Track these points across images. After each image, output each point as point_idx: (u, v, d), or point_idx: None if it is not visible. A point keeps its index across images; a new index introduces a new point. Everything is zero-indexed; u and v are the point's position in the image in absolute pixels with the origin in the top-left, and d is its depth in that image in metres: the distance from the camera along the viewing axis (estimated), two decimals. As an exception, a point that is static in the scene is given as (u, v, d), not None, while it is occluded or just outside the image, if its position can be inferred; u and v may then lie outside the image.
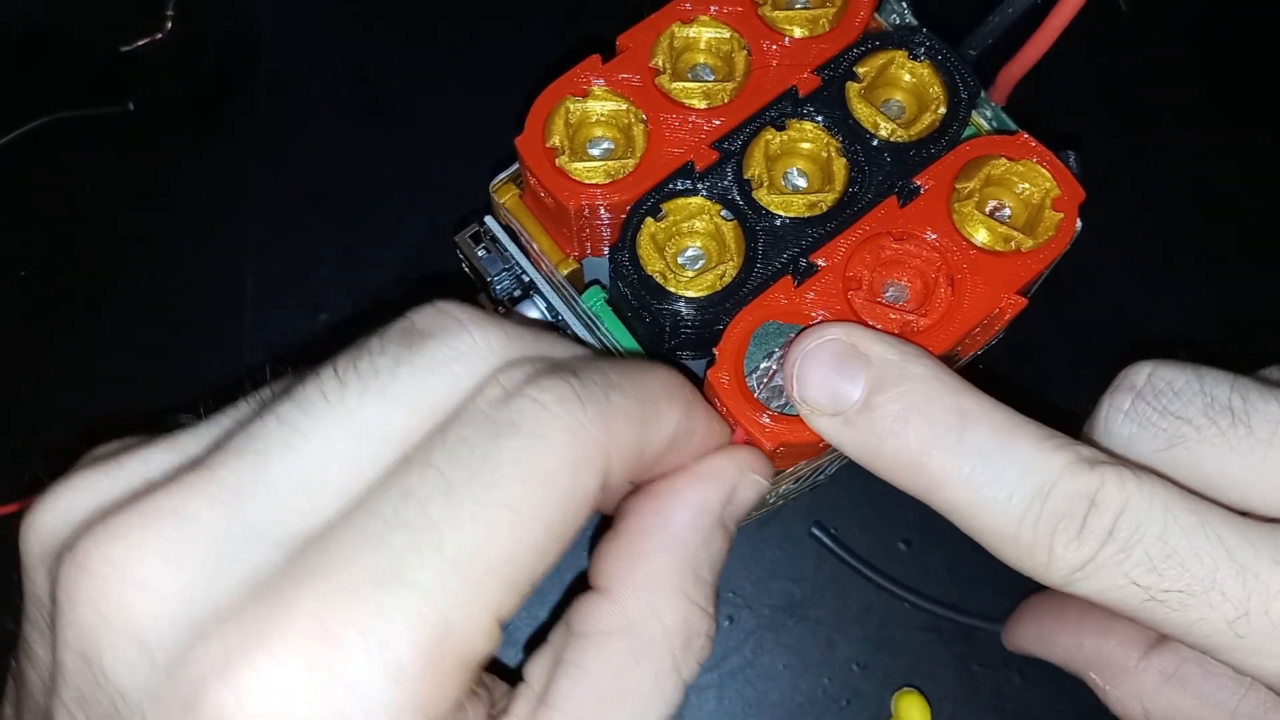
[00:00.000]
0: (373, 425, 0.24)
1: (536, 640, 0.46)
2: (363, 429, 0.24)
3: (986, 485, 0.27)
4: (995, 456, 0.27)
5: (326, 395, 0.24)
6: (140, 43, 0.56)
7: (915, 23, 0.37)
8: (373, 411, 0.24)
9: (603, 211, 0.33)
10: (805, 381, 0.29)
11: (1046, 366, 0.52)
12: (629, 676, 0.27)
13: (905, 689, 0.47)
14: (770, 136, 0.34)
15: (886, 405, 0.28)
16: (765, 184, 0.33)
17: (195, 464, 0.24)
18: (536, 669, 0.28)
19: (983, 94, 0.36)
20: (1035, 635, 0.40)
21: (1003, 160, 0.33)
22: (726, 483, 0.30)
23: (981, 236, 0.33)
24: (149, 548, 0.22)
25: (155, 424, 0.27)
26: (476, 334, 0.26)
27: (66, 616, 0.22)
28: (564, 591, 0.47)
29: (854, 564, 0.48)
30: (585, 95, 0.34)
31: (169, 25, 0.56)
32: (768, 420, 0.30)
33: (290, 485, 0.23)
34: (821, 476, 0.43)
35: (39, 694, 0.25)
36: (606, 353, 0.35)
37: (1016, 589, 0.48)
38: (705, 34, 0.35)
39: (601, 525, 0.30)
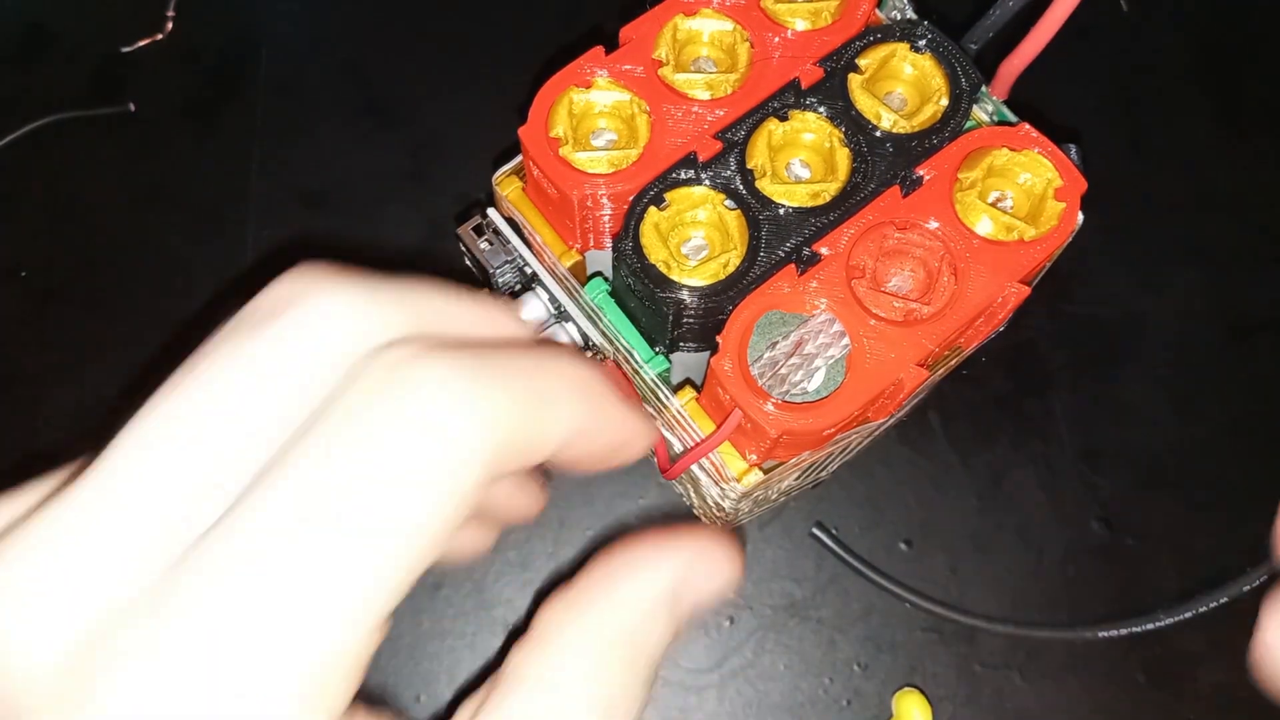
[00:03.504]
0: (228, 426, 0.23)
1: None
2: (221, 432, 0.23)
3: None
4: None
5: (178, 400, 0.24)
6: (140, 43, 0.56)
7: (915, 17, 0.37)
8: (225, 414, 0.23)
9: (605, 201, 0.33)
10: None
11: (1047, 366, 0.52)
12: None
13: (906, 689, 0.47)
14: (773, 127, 0.34)
15: None
16: (768, 174, 0.33)
17: (59, 494, 0.24)
18: (466, 710, 0.28)
19: (984, 88, 0.36)
20: None
21: (1005, 151, 0.33)
22: (681, 565, 0.29)
23: (985, 226, 0.33)
24: (16, 588, 0.22)
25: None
26: (327, 306, 0.25)
27: None
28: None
29: (855, 565, 0.48)
30: (589, 86, 0.34)
31: (169, 25, 0.56)
32: (771, 408, 0.30)
33: (142, 508, 0.23)
34: (824, 473, 0.43)
35: None
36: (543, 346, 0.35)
37: (1017, 589, 0.48)
38: (708, 26, 0.36)
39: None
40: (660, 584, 0.29)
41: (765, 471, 0.34)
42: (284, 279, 0.25)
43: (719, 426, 0.32)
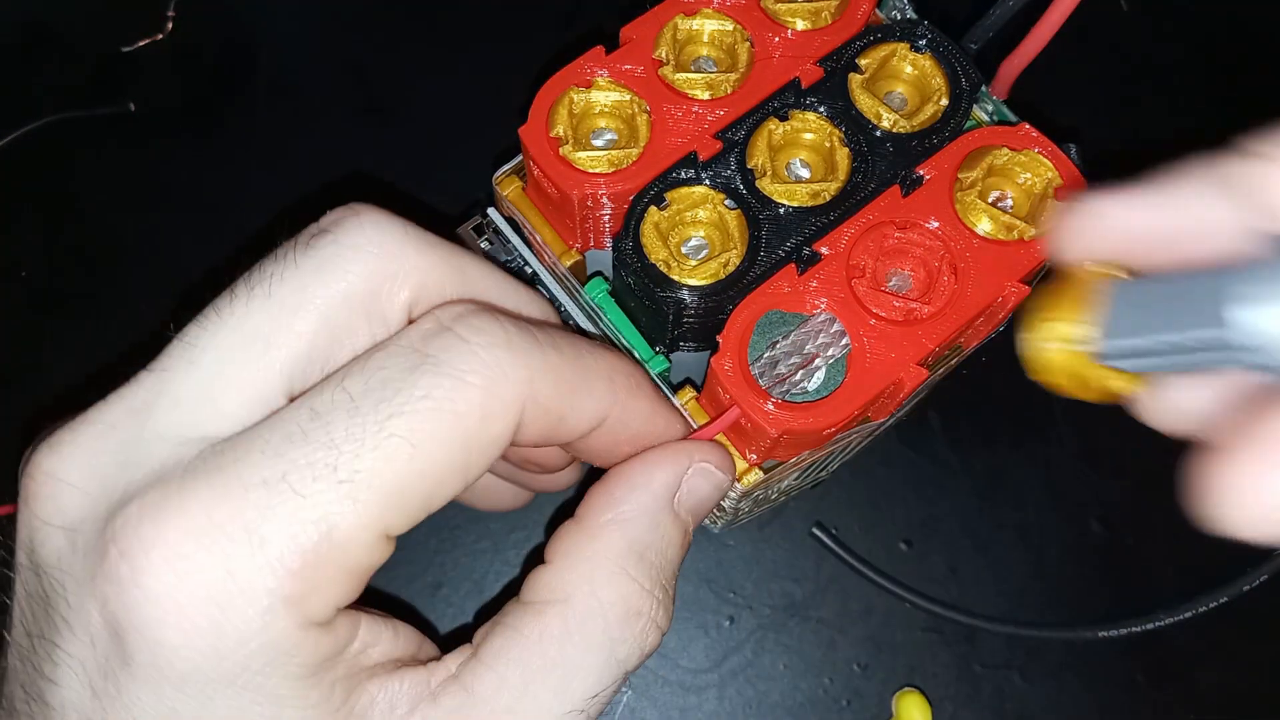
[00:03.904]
0: (261, 331, 0.25)
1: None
2: (252, 335, 0.25)
3: None
4: None
5: (219, 309, 0.26)
6: (140, 43, 0.56)
7: (915, 17, 0.37)
8: (258, 319, 0.25)
9: (606, 201, 0.33)
10: None
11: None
12: (559, 645, 0.27)
13: (906, 689, 0.47)
14: (773, 127, 0.34)
15: None
16: (769, 173, 0.33)
17: (126, 382, 0.26)
18: (481, 631, 0.28)
19: (984, 88, 0.36)
20: None
21: (1005, 150, 0.33)
22: (675, 469, 0.30)
23: (985, 226, 0.33)
24: (74, 454, 0.25)
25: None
26: (371, 230, 0.27)
27: (19, 520, 0.25)
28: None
29: (855, 565, 0.48)
30: (589, 86, 0.34)
31: (169, 25, 0.56)
32: (771, 407, 0.30)
33: (193, 393, 0.25)
34: (824, 473, 0.43)
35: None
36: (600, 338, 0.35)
37: (1017, 589, 0.48)
38: (708, 26, 0.35)
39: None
40: (658, 492, 0.30)
41: (765, 471, 0.34)
42: (340, 208, 0.28)
43: (714, 420, 0.32)
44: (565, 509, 0.48)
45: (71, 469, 0.25)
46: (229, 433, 0.25)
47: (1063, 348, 0.24)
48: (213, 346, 0.25)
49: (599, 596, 0.28)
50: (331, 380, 0.25)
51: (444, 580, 0.48)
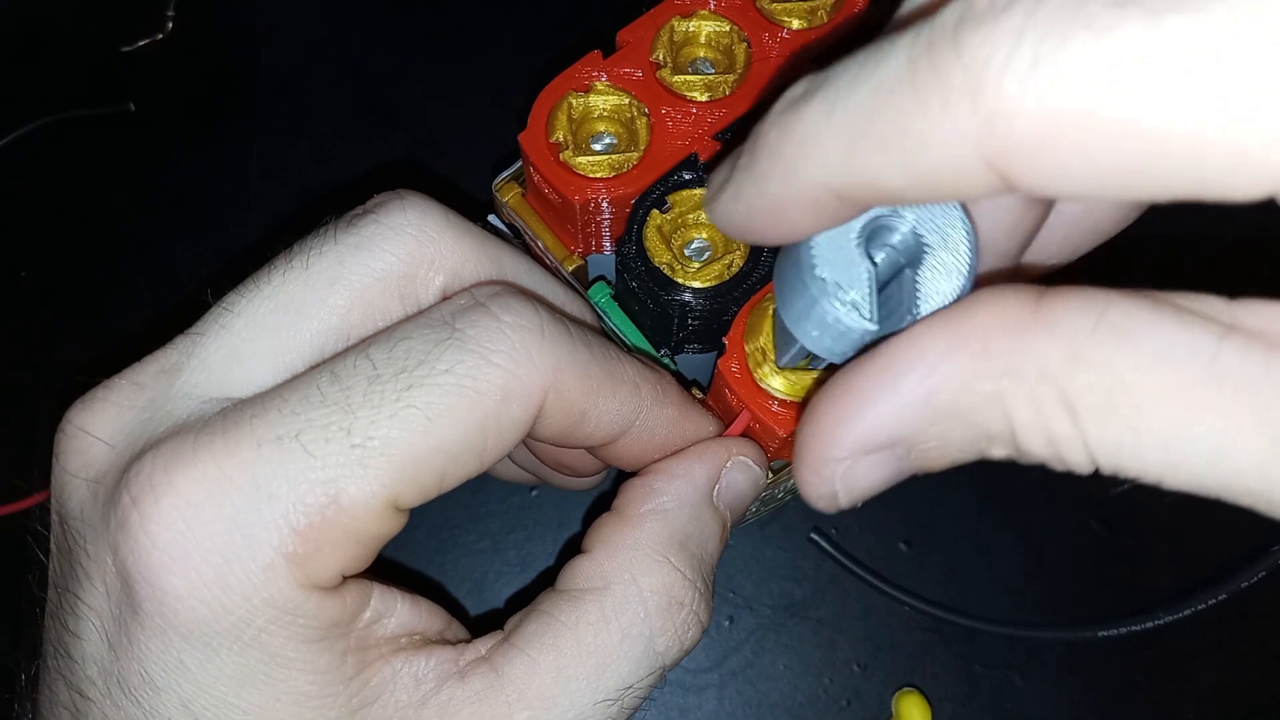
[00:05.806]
0: (295, 302, 0.26)
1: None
2: (286, 304, 0.26)
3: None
4: None
5: (258, 279, 0.27)
6: (140, 43, 0.56)
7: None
8: (294, 289, 0.26)
9: (607, 205, 0.33)
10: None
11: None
12: (595, 633, 0.27)
13: (905, 689, 0.47)
14: (773, 128, 0.34)
15: None
16: (769, 175, 0.33)
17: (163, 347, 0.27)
18: (515, 618, 0.28)
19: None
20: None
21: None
22: (714, 462, 0.30)
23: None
24: (105, 410, 0.26)
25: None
26: (414, 214, 0.27)
27: (52, 475, 0.26)
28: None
29: (854, 569, 0.48)
30: (587, 91, 0.34)
31: (169, 25, 0.56)
32: (778, 408, 0.30)
33: (221, 356, 0.26)
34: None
35: None
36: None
37: (1017, 589, 0.48)
38: (705, 27, 0.35)
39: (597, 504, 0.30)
40: (698, 483, 0.30)
41: (774, 471, 0.34)
42: (388, 192, 0.28)
43: (726, 426, 0.32)
44: (571, 513, 0.48)
45: (99, 424, 0.25)
46: (250, 393, 0.25)
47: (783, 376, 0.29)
48: (247, 313, 0.26)
49: (639, 584, 0.27)
50: (358, 346, 0.25)
51: (444, 580, 0.48)
